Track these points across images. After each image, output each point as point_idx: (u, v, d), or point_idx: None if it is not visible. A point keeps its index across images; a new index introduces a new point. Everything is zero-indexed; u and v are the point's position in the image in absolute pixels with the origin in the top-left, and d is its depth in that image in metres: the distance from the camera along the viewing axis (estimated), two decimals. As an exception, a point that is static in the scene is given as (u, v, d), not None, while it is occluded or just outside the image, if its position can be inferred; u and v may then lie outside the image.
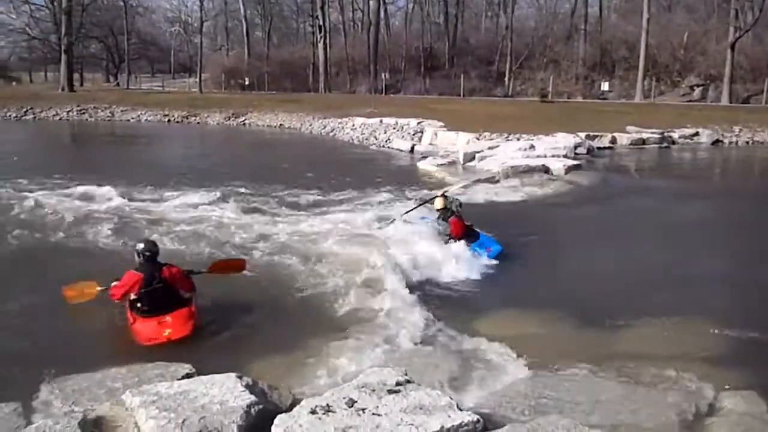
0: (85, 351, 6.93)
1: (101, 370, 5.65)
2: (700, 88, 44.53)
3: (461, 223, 10.62)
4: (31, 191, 14.80)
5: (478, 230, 10.86)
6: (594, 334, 7.41)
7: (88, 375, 5.53)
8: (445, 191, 12.22)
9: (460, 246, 10.16)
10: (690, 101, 42.46)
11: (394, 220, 11.35)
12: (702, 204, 16.10)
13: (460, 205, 11.17)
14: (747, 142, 27.66)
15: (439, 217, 10.91)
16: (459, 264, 9.72)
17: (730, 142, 27.67)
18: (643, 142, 26.23)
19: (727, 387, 5.53)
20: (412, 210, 11.27)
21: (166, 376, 5.36)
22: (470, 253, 10.06)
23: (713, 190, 19.60)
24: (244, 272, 8.85)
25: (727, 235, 12.56)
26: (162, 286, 7.49)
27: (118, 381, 5.37)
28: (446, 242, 10.38)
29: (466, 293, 8.97)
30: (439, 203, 10.96)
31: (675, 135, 27.40)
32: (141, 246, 7.72)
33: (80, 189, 15.11)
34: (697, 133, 27.90)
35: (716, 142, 27.43)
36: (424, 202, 11.16)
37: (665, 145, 26.45)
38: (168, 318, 7.32)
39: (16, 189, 15.05)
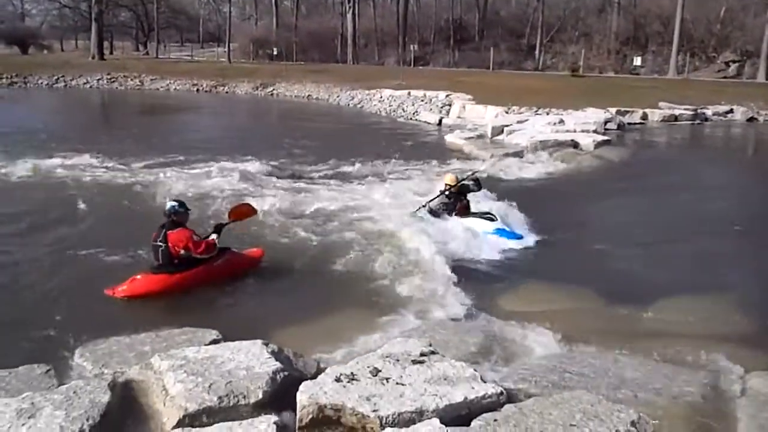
0: (115, 316, 7.07)
1: (131, 334, 5.74)
2: (736, 64, 43.54)
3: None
4: (64, 160, 14.99)
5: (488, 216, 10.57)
6: (620, 312, 7.35)
7: (118, 339, 5.61)
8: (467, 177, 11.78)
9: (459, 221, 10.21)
10: (725, 77, 41.55)
11: (420, 208, 11.08)
12: (733, 182, 15.83)
13: (478, 184, 10.88)
14: (783, 120, 27.04)
15: (445, 192, 10.63)
16: (481, 241, 9.71)
17: (765, 120, 27.05)
18: (675, 118, 25.74)
19: (754, 367, 5.47)
20: (434, 199, 11.07)
21: (194, 341, 5.41)
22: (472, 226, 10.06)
23: (745, 168, 19.21)
24: (257, 216, 9.48)
25: (758, 215, 12.33)
26: (163, 246, 7.80)
27: (146, 345, 5.44)
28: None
29: (493, 269, 8.94)
30: (449, 179, 10.78)
31: (708, 112, 26.87)
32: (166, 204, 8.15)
33: (112, 157, 15.30)
34: (731, 110, 27.32)
35: (751, 120, 26.84)
36: (442, 192, 10.93)
37: (698, 121, 25.95)
38: (139, 276, 7.79)
39: (51, 158, 15.23)
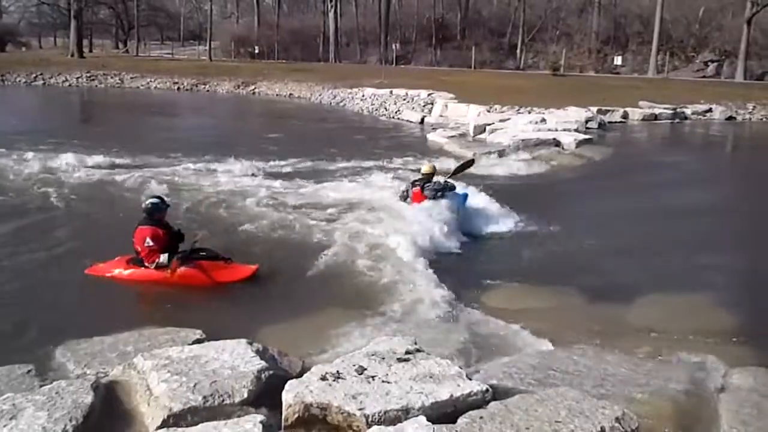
0: (97, 316, 7.01)
1: (113, 334, 5.69)
2: (715, 63, 43.99)
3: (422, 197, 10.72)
4: (42, 158, 14.80)
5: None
6: (603, 309, 7.40)
7: (101, 339, 5.57)
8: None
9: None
10: (704, 77, 41.98)
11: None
12: (713, 180, 16.03)
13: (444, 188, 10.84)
14: (761, 119, 27.35)
15: (416, 183, 10.94)
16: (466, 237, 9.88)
17: (744, 119, 27.38)
18: (655, 117, 26.00)
19: (736, 363, 5.53)
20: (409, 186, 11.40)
21: (177, 340, 5.38)
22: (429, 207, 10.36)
23: (725, 166, 19.49)
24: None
25: (739, 212, 12.48)
26: (133, 239, 8.00)
27: (129, 345, 5.41)
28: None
29: (477, 267, 8.98)
30: (426, 168, 11.03)
31: (688, 111, 27.15)
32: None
33: (92, 155, 15.12)
34: (710, 110, 27.62)
35: (729, 119, 27.16)
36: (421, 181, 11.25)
37: (678, 120, 26.24)
38: (117, 258, 8.22)
39: (30, 156, 15.01)
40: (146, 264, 7.94)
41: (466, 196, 11.07)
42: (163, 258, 7.92)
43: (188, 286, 7.90)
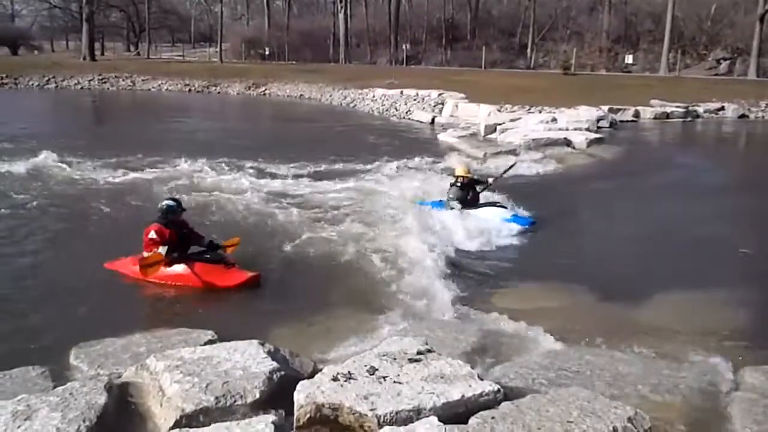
0: (110, 317, 7.05)
1: (126, 335, 5.73)
2: (727, 61, 43.64)
3: None
4: (56, 160, 14.91)
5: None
6: (615, 309, 7.37)
7: (113, 340, 5.60)
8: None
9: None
10: (716, 75, 41.67)
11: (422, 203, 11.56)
12: (726, 179, 15.90)
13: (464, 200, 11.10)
14: (774, 117, 27.14)
15: (457, 183, 11.08)
16: (480, 237, 9.87)
17: (757, 117, 27.13)
18: (667, 115, 25.83)
19: (748, 362, 5.49)
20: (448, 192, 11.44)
21: (189, 341, 5.41)
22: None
23: (738, 165, 19.29)
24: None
25: (752, 211, 12.37)
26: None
27: (142, 346, 5.44)
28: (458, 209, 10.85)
29: (488, 267, 8.95)
30: (462, 170, 11.22)
31: (700, 109, 26.95)
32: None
33: (106, 157, 15.21)
34: (722, 108, 27.39)
35: (742, 117, 26.93)
36: (453, 184, 11.20)
37: (690, 119, 26.05)
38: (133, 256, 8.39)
39: (44, 158, 15.10)
40: (144, 253, 8.10)
41: (532, 221, 10.75)
42: (162, 249, 8.04)
43: (186, 286, 8.00)
